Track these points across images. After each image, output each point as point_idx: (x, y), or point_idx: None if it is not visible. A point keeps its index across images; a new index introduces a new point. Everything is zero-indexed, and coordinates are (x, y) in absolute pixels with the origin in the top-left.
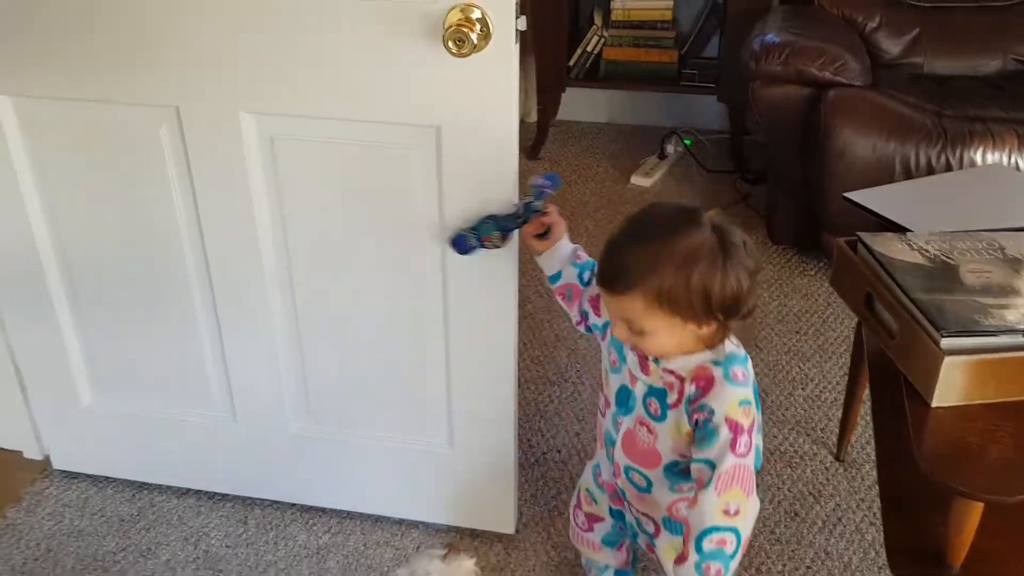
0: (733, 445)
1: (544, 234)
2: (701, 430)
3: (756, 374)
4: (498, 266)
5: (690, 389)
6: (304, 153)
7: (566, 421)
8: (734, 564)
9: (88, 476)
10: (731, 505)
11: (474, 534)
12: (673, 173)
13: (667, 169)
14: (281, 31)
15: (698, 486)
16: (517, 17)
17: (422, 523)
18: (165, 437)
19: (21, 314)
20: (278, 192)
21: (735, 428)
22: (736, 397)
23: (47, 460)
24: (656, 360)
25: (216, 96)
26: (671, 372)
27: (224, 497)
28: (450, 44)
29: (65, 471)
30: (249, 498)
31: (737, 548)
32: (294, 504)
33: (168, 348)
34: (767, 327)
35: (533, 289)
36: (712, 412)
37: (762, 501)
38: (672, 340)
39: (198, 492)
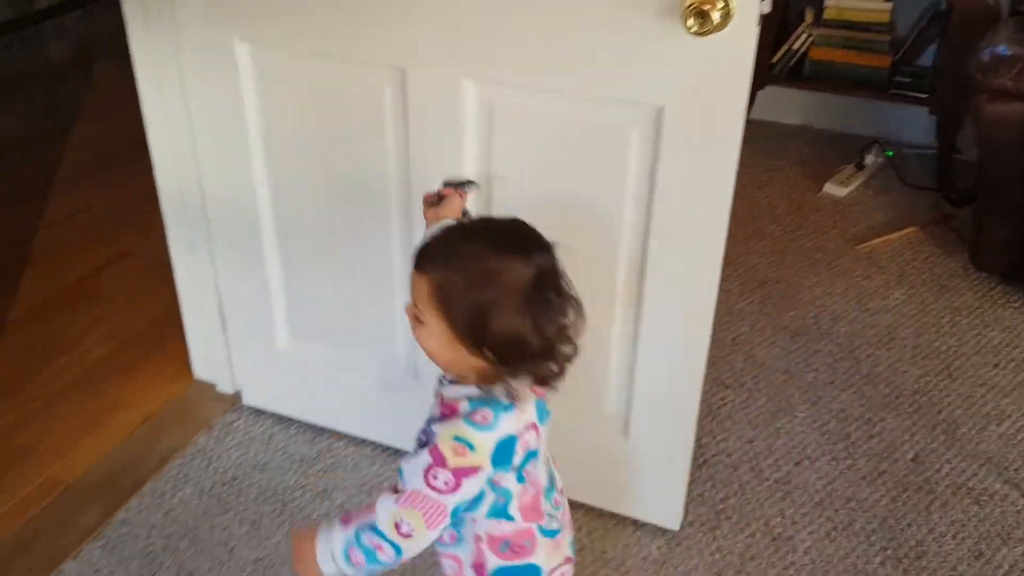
0: (427, 473)
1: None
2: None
3: (948, 404)
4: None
5: (436, 413)
6: (520, 124)
7: (738, 426)
8: (377, 569)
9: (274, 415)
10: (405, 525)
11: (637, 524)
12: (870, 185)
13: (864, 180)
14: None
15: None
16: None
17: (585, 505)
18: (349, 387)
19: (232, 257)
20: (487, 159)
21: (437, 458)
22: (455, 431)
23: (238, 395)
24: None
25: (442, 61)
26: (443, 403)
27: (398, 452)
28: (690, 21)
29: (253, 407)
30: None
31: (391, 562)
32: None
33: (364, 303)
34: (962, 356)
35: None
36: (431, 435)
37: (944, 535)
38: (442, 350)
39: (374, 443)
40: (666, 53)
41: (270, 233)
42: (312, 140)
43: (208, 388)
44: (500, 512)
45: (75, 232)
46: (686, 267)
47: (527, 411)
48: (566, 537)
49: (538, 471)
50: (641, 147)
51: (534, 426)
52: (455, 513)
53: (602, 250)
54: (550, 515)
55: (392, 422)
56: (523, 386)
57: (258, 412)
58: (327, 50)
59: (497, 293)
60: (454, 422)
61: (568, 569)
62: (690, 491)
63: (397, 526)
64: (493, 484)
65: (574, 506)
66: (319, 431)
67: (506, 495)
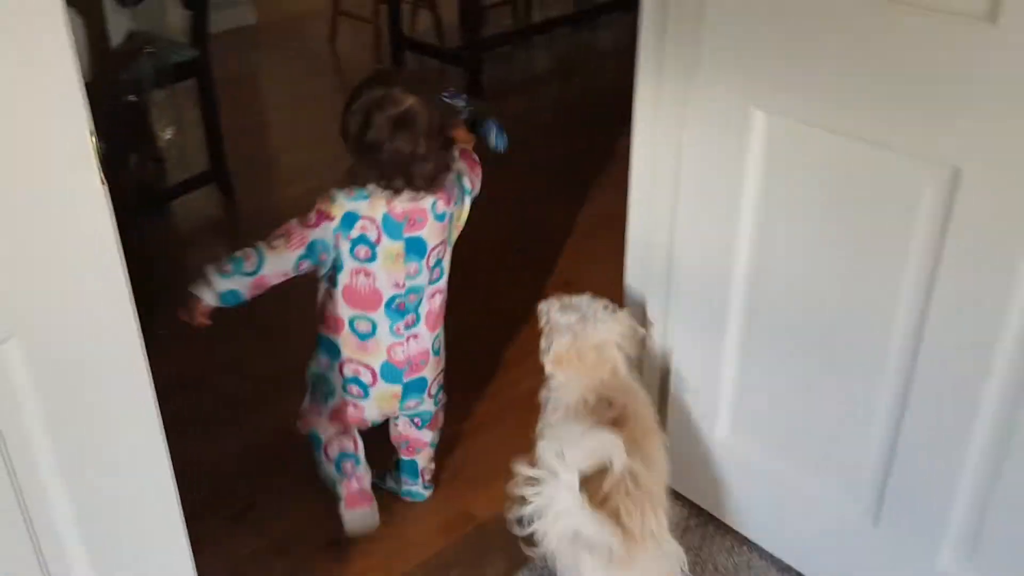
0: (304, 215)
1: None
2: None
3: None
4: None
5: None
6: None
7: None
8: (238, 279)
9: (693, 505)
10: (274, 241)
11: None
12: None
13: None
14: None
15: None
16: None
17: None
18: (789, 505)
19: (689, 321)
20: None
21: (312, 208)
22: (330, 194)
23: None
24: None
25: (1007, 161)
26: None
27: None
28: None
29: (673, 490)
30: None
31: (251, 270)
32: None
33: (830, 417)
34: None
35: None
36: None
37: None
38: None
39: (797, 574)
40: None
41: (738, 309)
42: (813, 223)
43: None
44: (333, 279)
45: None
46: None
47: (375, 209)
48: (380, 352)
49: (377, 271)
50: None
51: (375, 224)
52: (311, 247)
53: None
54: (376, 322)
55: (836, 562)
56: (376, 188)
57: (675, 495)
58: (855, 132)
59: (363, 123)
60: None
61: (364, 371)
62: None
63: (267, 241)
64: (335, 242)
65: None
66: (742, 540)
67: (339, 265)
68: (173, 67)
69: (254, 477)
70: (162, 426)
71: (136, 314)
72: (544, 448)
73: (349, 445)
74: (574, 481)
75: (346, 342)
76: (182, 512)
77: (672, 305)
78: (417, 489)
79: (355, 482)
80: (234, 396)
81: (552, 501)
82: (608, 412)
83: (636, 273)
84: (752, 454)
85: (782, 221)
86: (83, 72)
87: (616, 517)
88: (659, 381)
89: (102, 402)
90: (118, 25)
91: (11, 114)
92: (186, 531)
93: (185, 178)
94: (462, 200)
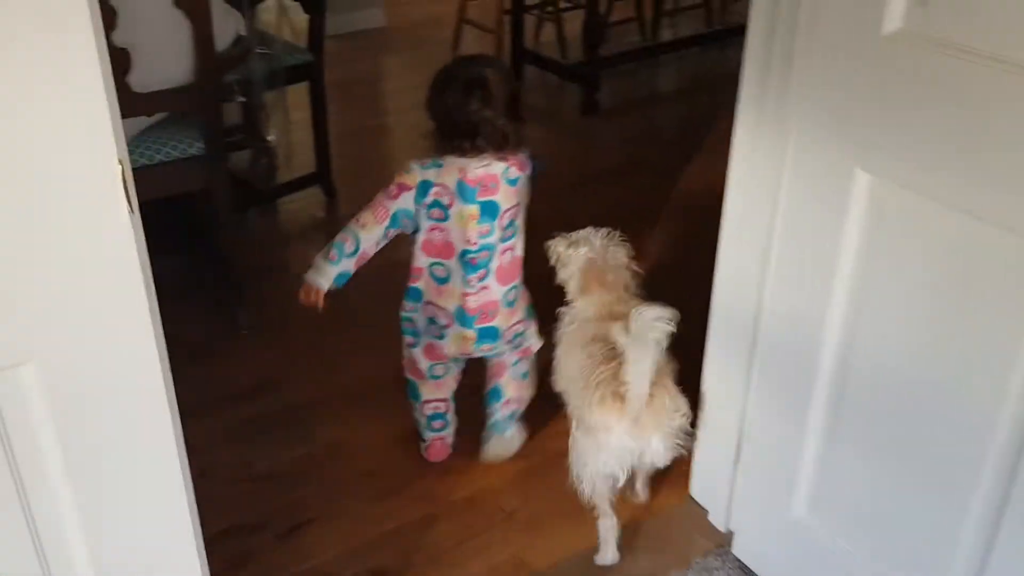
0: (386, 188)
1: None
2: None
3: None
4: None
5: None
6: None
7: None
8: (343, 260)
9: None
10: (362, 218)
11: None
12: None
13: None
14: None
15: None
16: None
17: None
18: None
19: (771, 388)
20: None
21: (393, 181)
22: (407, 166)
23: (729, 536)
24: None
25: None
26: None
27: None
28: None
29: (740, 561)
30: None
31: (351, 250)
32: None
33: (917, 509)
34: None
35: None
36: None
37: None
38: None
39: None
40: None
41: (826, 384)
42: (917, 301)
43: (700, 513)
44: (415, 235)
45: None
46: None
47: (447, 177)
48: (454, 298)
49: (450, 228)
50: None
51: (448, 190)
52: (395, 217)
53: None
54: (451, 270)
55: None
56: (449, 156)
57: (745, 570)
58: (974, 209)
59: (442, 87)
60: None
61: (441, 313)
62: None
63: (356, 221)
64: (415, 209)
65: None
66: None
67: (419, 225)
68: (285, 70)
69: (311, 490)
70: (184, 455)
71: (162, 344)
72: (637, 315)
73: (441, 407)
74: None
75: (426, 286)
76: (201, 542)
77: (755, 369)
78: (499, 418)
79: (439, 441)
80: (310, 401)
81: (639, 361)
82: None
83: (720, 329)
84: (829, 537)
85: (882, 295)
86: (185, 74)
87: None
88: (736, 433)
89: (120, 432)
90: (227, 27)
91: (37, 141)
92: (204, 561)
93: (290, 179)
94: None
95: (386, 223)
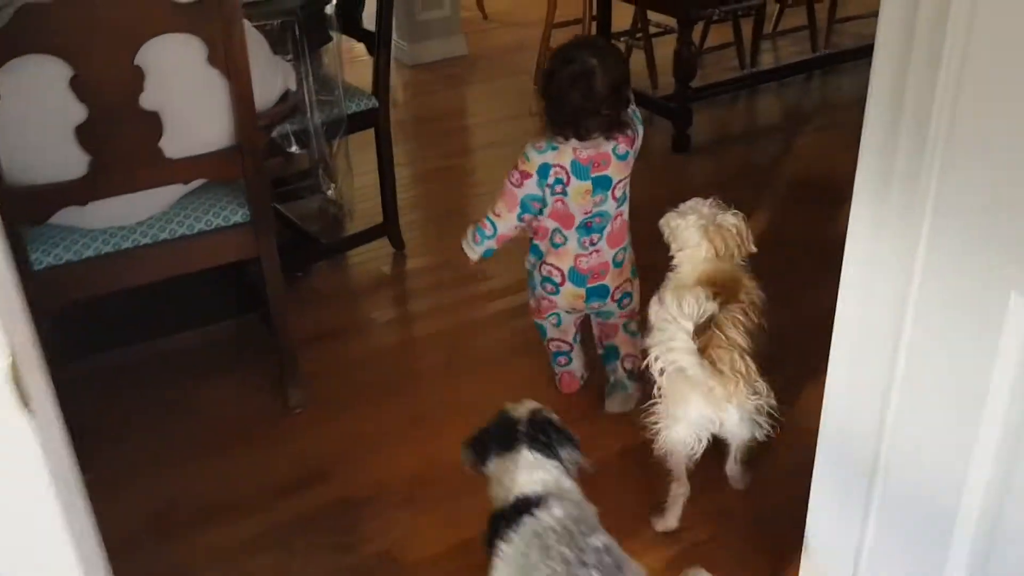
0: (510, 173)
1: None
2: None
3: None
4: None
5: None
6: None
7: None
8: (486, 242)
9: None
10: (496, 208)
11: None
12: None
13: None
14: None
15: None
16: None
17: None
18: None
19: (896, 544)
20: None
21: (515, 166)
22: (525, 148)
23: None
24: None
25: None
26: None
27: None
28: None
29: None
30: None
31: (490, 234)
32: None
33: None
34: None
35: None
36: None
37: None
38: None
39: None
40: None
41: (966, 549)
42: None
43: None
44: (541, 212)
45: None
46: None
47: (563, 158)
48: (568, 259)
49: (569, 202)
50: None
51: (564, 169)
52: (523, 203)
53: None
54: (567, 237)
55: None
56: (563, 140)
57: None
58: None
59: (550, 75)
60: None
61: (555, 272)
62: None
63: (492, 210)
64: (540, 191)
65: None
66: None
67: (543, 201)
68: (349, 117)
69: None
70: None
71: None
72: (670, 300)
73: (564, 346)
74: (689, 327)
75: (545, 247)
76: None
77: (872, 519)
78: (619, 377)
79: (567, 374)
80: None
81: (671, 338)
82: (719, 290)
83: (828, 463)
84: None
85: None
86: (224, 136)
87: (712, 364)
88: None
89: None
90: (274, 81)
91: None
92: None
93: (356, 231)
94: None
95: (517, 211)
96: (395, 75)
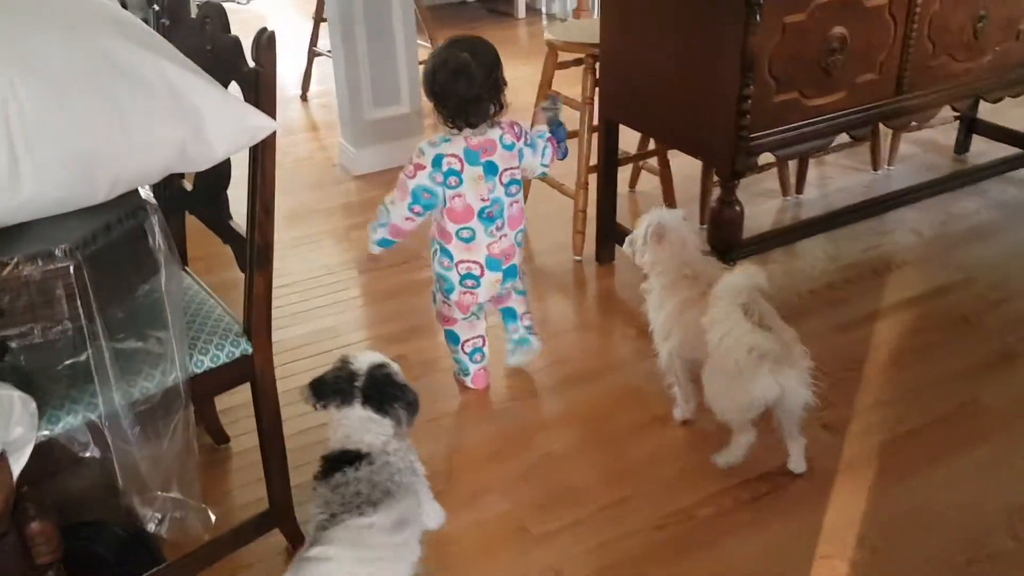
0: (405, 168)
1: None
2: None
3: None
4: None
5: None
6: None
7: None
8: (380, 230)
9: None
10: (390, 196)
11: None
12: None
13: None
14: None
15: None
16: None
17: None
18: None
19: None
20: None
21: (410, 161)
22: (419, 147)
23: None
24: None
25: None
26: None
27: None
28: None
29: None
30: None
31: (384, 221)
32: None
33: None
34: None
35: None
36: None
37: None
38: None
39: None
40: None
41: None
42: None
43: None
44: (430, 205)
45: None
46: None
47: (455, 147)
48: (482, 251)
49: (465, 191)
50: None
51: (458, 158)
52: (414, 193)
53: None
54: (474, 229)
55: None
56: (457, 132)
57: None
58: None
59: (432, 75)
60: (421, 143)
61: (474, 265)
62: None
63: (387, 199)
64: (433, 183)
65: None
66: None
67: (436, 196)
68: (198, 377)
69: None
70: None
71: None
72: (715, 292)
73: (479, 342)
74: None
75: (456, 248)
76: None
77: None
78: (521, 334)
79: (482, 369)
80: None
81: (732, 327)
82: (695, 279)
83: None
84: None
85: None
86: None
87: (770, 331)
88: None
89: None
90: None
91: None
92: None
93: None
94: (536, 151)
95: (408, 200)
96: (336, 188)
